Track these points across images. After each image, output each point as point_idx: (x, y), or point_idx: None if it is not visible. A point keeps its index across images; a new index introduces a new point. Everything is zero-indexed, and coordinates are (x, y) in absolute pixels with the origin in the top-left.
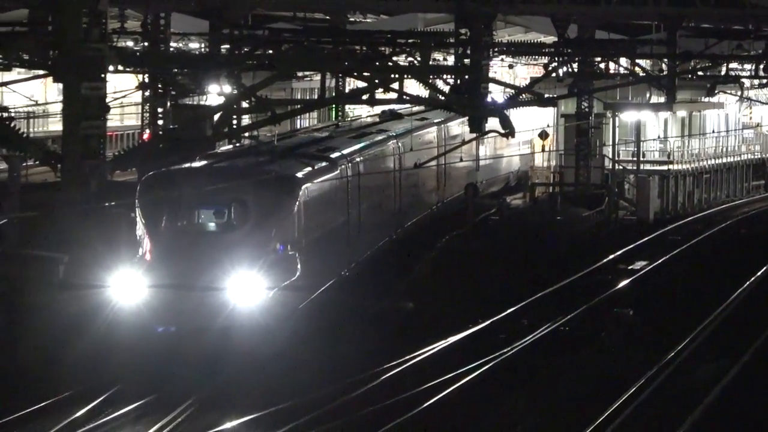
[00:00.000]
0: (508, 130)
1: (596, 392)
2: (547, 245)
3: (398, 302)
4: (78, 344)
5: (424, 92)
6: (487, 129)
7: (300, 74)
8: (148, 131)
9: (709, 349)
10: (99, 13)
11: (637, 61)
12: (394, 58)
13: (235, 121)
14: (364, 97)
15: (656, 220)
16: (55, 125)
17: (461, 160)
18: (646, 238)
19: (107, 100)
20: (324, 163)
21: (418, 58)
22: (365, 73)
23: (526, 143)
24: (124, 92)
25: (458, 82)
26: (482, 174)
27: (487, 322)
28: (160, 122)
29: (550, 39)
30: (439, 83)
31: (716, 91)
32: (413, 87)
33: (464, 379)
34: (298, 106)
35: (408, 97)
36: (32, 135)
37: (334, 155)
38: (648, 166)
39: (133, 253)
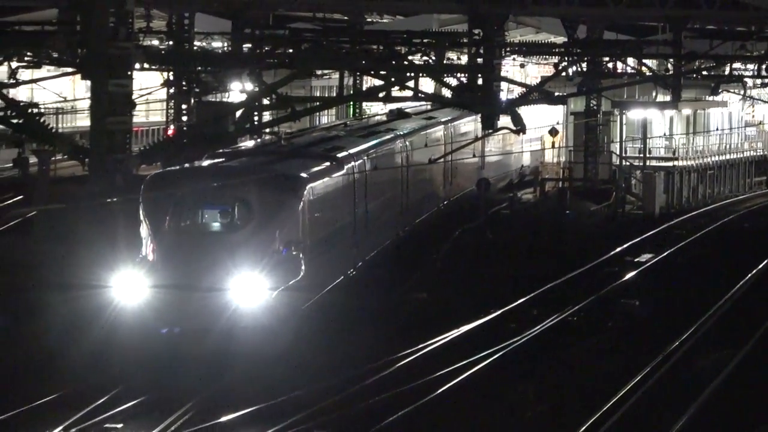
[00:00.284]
0: (520, 127)
1: (603, 380)
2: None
3: (411, 293)
4: (78, 345)
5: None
6: (499, 126)
7: (319, 72)
8: (172, 127)
9: (713, 339)
10: (125, 13)
11: (644, 60)
12: (410, 58)
13: (256, 118)
14: (381, 94)
15: (662, 215)
16: (83, 121)
17: (472, 156)
18: (651, 232)
19: (133, 96)
20: (330, 163)
21: (433, 58)
22: (382, 72)
23: (531, 141)
24: (149, 89)
25: (470, 80)
26: (487, 171)
27: (498, 312)
28: (184, 118)
29: (560, 39)
30: (453, 82)
31: (720, 90)
32: (426, 85)
33: (475, 367)
34: (317, 103)
35: (423, 95)
36: (61, 130)
37: (340, 154)
38: (654, 163)
39: (136, 253)
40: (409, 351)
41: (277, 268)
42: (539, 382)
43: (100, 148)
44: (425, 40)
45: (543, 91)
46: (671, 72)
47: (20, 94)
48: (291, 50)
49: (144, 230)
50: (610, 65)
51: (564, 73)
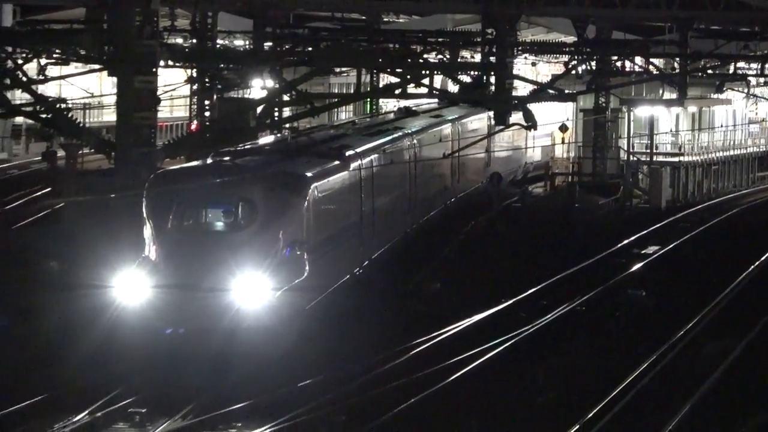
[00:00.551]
0: (531, 123)
1: (611, 368)
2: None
3: (424, 284)
4: (78, 346)
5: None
6: (511, 122)
7: (337, 70)
8: (195, 122)
9: (717, 328)
10: (151, 12)
11: (651, 59)
12: (425, 56)
13: (276, 113)
14: (397, 91)
15: (668, 208)
16: (110, 116)
17: (479, 153)
18: (658, 225)
19: (158, 92)
20: (336, 161)
21: (447, 56)
22: (398, 69)
23: (535, 138)
24: (173, 86)
25: (479, 78)
26: (493, 168)
27: (510, 302)
28: (207, 114)
29: (570, 39)
30: (466, 80)
31: (724, 89)
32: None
33: (487, 355)
34: (336, 99)
35: (437, 92)
36: (88, 125)
37: (347, 153)
38: (660, 158)
39: (139, 252)
40: (423, 340)
41: (280, 268)
42: (549, 370)
43: (126, 142)
44: (440, 39)
45: (554, 89)
46: (677, 71)
47: (49, 89)
48: (310, 48)
49: (147, 229)
50: (618, 64)
51: (574, 72)
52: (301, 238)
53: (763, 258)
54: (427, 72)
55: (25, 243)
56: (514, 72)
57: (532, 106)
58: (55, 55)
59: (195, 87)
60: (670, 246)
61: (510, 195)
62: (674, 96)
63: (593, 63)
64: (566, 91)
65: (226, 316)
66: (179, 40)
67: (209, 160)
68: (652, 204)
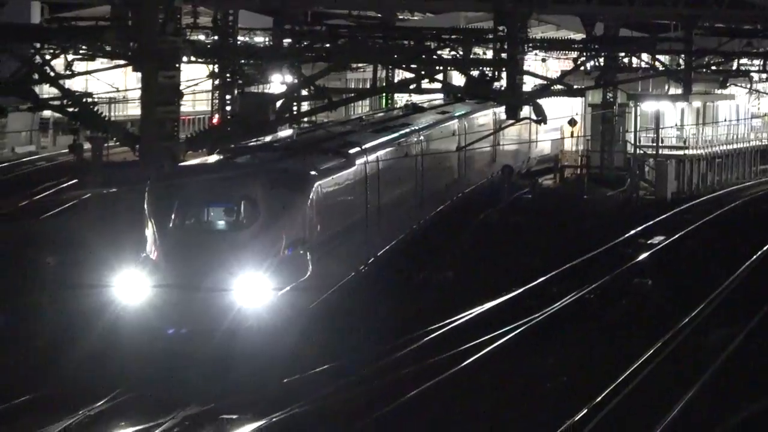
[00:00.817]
0: (541, 118)
1: (618, 354)
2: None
3: (439, 272)
4: (78, 346)
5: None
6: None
7: (354, 66)
8: (217, 116)
9: (721, 316)
10: (174, 10)
11: (657, 56)
12: (439, 52)
13: (295, 108)
14: (412, 86)
15: (673, 200)
16: (134, 110)
17: (485, 148)
18: (663, 216)
19: (181, 87)
20: (341, 159)
21: (460, 52)
22: (412, 65)
23: (540, 133)
24: (196, 80)
25: (486, 74)
26: (500, 164)
27: (521, 290)
28: (228, 108)
29: (579, 36)
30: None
31: (728, 84)
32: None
33: (500, 340)
34: (352, 94)
35: (450, 87)
36: (113, 118)
37: (352, 150)
38: (666, 151)
39: (140, 251)
40: (436, 326)
41: (282, 267)
42: (558, 355)
43: (150, 135)
44: (453, 36)
45: (563, 84)
46: (682, 67)
47: (75, 84)
48: (328, 45)
49: (148, 228)
50: (625, 60)
51: (582, 68)
52: (303, 237)
53: (765, 248)
54: (441, 68)
55: (33, 235)
56: (525, 68)
57: (542, 101)
58: (81, 51)
59: (217, 82)
60: (676, 236)
61: (521, 187)
62: (679, 91)
63: (601, 59)
64: (575, 87)
65: (227, 316)
66: (201, 37)
67: (213, 158)
68: (658, 196)
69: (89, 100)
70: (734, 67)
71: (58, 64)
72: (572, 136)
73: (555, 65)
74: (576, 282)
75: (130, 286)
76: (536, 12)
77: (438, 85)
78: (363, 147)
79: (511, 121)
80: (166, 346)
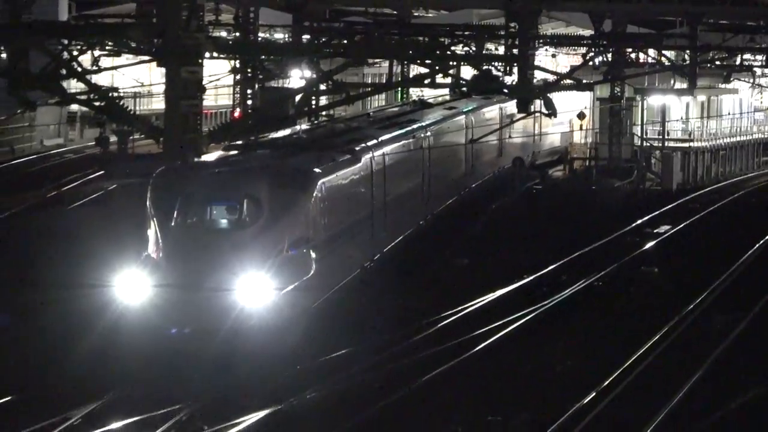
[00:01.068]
0: (551, 111)
1: (626, 339)
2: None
3: (454, 259)
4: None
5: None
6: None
7: (371, 61)
8: (238, 110)
9: (725, 302)
10: (197, 7)
11: (663, 52)
12: (452, 48)
13: (313, 102)
14: (426, 81)
15: (678, 190)
16: (158, 104)
17: (497, 141)
18: (669, 206)
19: (203, 82)
20: (346, 156)
21: (473, 48)
22: (427, 61)
23: (545, 127)
24: (217, 76)
25: (505, 69)
26: (506, 158)
27: (531, 278)
28: (249, 102)
29: (588, 32)
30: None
31: (731, 79)
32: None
33: (511, 326)
34: (369, 88)
35: (463, 82)
36: (138, 112)
37: (357, 147)
38: (672, 144)
39: (142, 250)
40: (451, 312)
41: (285, 266)
42: (568, 340)
43: (174, 128)
44: (466, 33)
45: (572, 79)
46: (688, 62)
47: (102, 79)
48: (345, 41)
49: (150, 227)
50: (632, 56)
51: (591, 63)
52: (307, 235)
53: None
54: (454, 63)
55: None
56: (536, 63)
57: (552, 95)
58: (107, 48)
59: (238, 77)
60: (681, 225)
61: (531, 178)
62: (684, 86)
63: (609, 55)
64: (584, 81)
65: (228, 316)
66: (223, 34)
67: (217, 156)
68: (664, 186)
69: (115, 94)
70: (738, 63)
71: (85, 59)
72: (581, 128)
73: (564, 60)
74: (585, 270)
75: (132, 286)
76: (546, 9)
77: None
78: (368, 144)
79: (516, 116)
80: (169, 345)
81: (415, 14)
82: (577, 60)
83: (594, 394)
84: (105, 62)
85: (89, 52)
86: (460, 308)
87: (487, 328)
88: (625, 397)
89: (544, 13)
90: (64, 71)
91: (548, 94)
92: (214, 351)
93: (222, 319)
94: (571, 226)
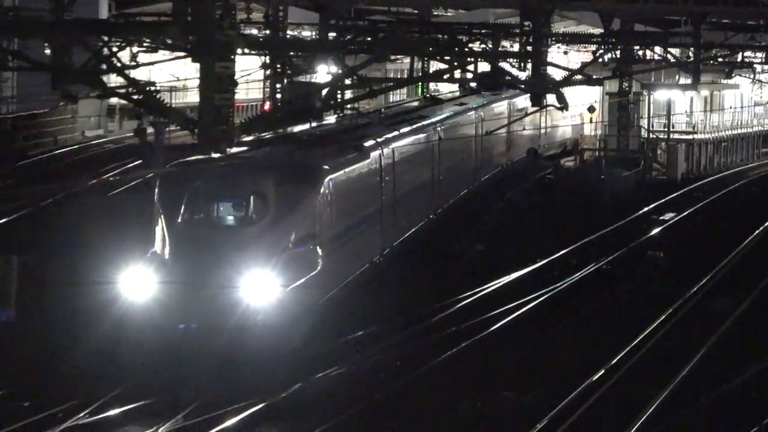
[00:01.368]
0: (563, 105)
1: (633, 319)
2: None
3: (470, 245)
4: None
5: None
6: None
7: (393, 57)
8: (268, 103)
9: (727, 285)
10: (229, 6)
11: (669, 49)
12: (470, 45)
13: (339, 96)
14: (445, 76)
15: (683, 180)
16: (193, 97)
17: (504, 135)
18: (674, 194)
19: (235, 77)
20: (355, 152)
21: (490, 45)
22: (446, 57)
23: (551, 121)
24: (249, 71)
25: (520, 64)
26: (513, 152)
27: (543, 262)
28: (278, 95)
29: (598, 30)
30: (506, 66)
31: (733, 75)
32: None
33: (523, 308)
34: (391, 83)
35: (480, 77)
36: (174, 105)
37: (367, 143)
38: (676, 136)
39: (148, 247)
40: (468, 294)
41: (292, 263)
42: (578, 321)
43: (208, 120)
44: (483, 31)
45: (583, 74)
46: (692, 59)
47: (139, 74)
48: (369, 38)
49: (157, 223)
50: (640, 53)
51: (600, 59)
52: (314, 232)
53: (767, 224)
54: (472, 59)
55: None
56: (549, 59)
57: (565, 90)
58: (145, 44)
59: (268, 72)
60: (685, 213)
61: (544, 168)
62: (689, 81)
63: (618, 52)
64: (594, 77)
65: (233, 313)
66: (254, 31)
67: (225, 152)
68: (669, 176)
69: (152, 88)
70: (739, 59)
71: (124, 55)
72: (591, 121)
73: (576, 57)
74: (594, 254)
75: (138, 282)
76: (559, 9)
77: (468, 75)
78: (377, 140)
79: (524, 111)
80: (180, 341)
81: (435, 13)
82: (588, 56)
83: (602, 372)
84: (143, 58)
85: (128, 48)
86: (474, 291)
87: (501, 309)
88: (631, 375)
89: (557, 12)
90: (104, 66)
91: (560, 89)
92: (219, 347)
93: (227, 317)
94: (581, 213)
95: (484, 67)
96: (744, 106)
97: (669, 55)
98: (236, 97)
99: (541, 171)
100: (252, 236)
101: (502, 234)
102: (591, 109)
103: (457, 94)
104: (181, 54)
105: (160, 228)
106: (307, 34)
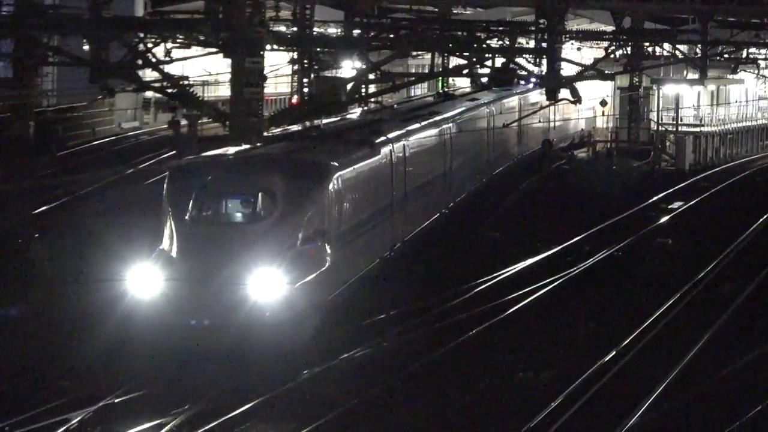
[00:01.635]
0: (577, 99)
1: (643, 302)
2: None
3: (487, 232)
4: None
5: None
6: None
7: (414, 53)
8: (296, 97)
9: (732, 270)
10: (259, 4)
11: (677, 46)
12: (488, 42)
13: (363, 90)
14: (465, 71)
15: (690, 170)
16: (224, 91)
17: (516, 130)
18: (682, 184)
19: (265, 71)
20: (364, 148)
21: (507, 42)
22: (465, 53)
23: (558, 116)
24: (277, 66)
25: (535, 60)
26: (524, 146)
27: (558, 248)
28: (306, 89)
29: (610, 28)
30: (522, 62)
31: (738, 70)
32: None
33: (539, 292)
34: (413, 78)
35: (496, 72)
36: (206, 98)
37: (377, 139)
38: (684, 128)
39: (156, 244)
40: (485, 279)
41: (300, 260)
42: (590, 304)
43: (238, 112)
44: (500, 28)
45: (595, 70)
46: (699, 55)
47: (173, 69)
48: (392, 35)
49: (166, 220)
50: (649, 49)
51: (612, 55)
52: (322, 228)
53: None
54: (489, 55)
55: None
56: (563, 55)
57: (578, 85)
58: (178, 40)
59: (296, 67)
60: (693, 202)
61: (559, 158)
62: (696, 76)
63: (629, 48)
64: (606, 72)
65: (241, 310)
66: (282, 28)
67: (233, 149)
68: (678, 167)
69: (185, 82)
70: (744, 56)
71: (159, 51)
72: (603, 114)
73: (588, 53)
74: (606, 241)
75: (145, 279)
76: (573, 7)
77: (486, 70)
78: (389, 135)
79: (535, 105)
80: (180, 339)
81: (455, 11)
82: (600, 53)
83: (614, 352)
84: (176, 53)
85: (162, 44)
86: (494, 275)
87: (517, 293)
88: (642, 355)
89: (570, 11)
90: (140, 61)
91: (573, 84)
92: (226, 344)
93: (235, 314)
94: (594, 202)
95: (500, 62)
96: (749, 100)
97: (677, 52)
98: (265, 90)
99: (555, 162)
100: (260, 233)
101: (518, 222)
102: (603, 103)
103: (468, 90)
104: (213, 50)
105: (169, 224)
106: (332, 31)
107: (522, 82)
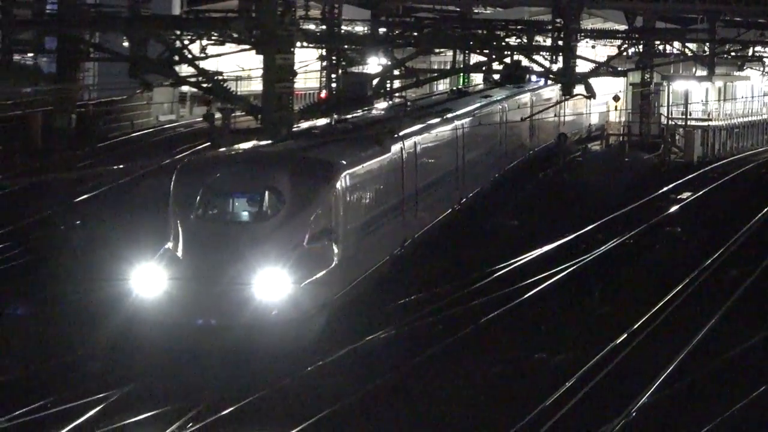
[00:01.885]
0: (591, 94)
1: (653, 289)
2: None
3: (505, 221)
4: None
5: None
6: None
7: (437, 50)
8: (324, 91)
9: (738, 257)
10: (289, 3)
11: (686, 44)
12: (507, 40)
13: (388, 85)
14: (484, 68)
15: (699, 163)
16: (257, 86)
17: (528, 127)
18: (691, 175)
19: (295, 67)
20: (373, 146)
21: (524, 40)
22: (485, 50)
23: (568, 111)
24: (307, 62)
25: (552, 58)
26: (535, 141)
27: (572, 236)
28: (333, 85)
29: (623, 27)
30: (539, 59)
31: (745, 68)
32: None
33: (554, 278)
34: (436, 74)
35: (513, 69)
36: (240, 93)
37: (388, 137)
38: (693, 123)
39: (162, 243)
40: (503, 265)
41: (306, 259)
42: (604, 290)
43: (270, 106)
44: (519, 27)
45: (609, 67)
46: (707, 53)
47: (208, 65)
48: (416, 33)
49: (172, 219)
50: (660, 47)
51: (625, 53)
52: (329, 227)
53: None
54: (508, 53)
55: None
56: (578, 53)
57: (592, 81)
58: (213, 38)
59: (324, 63)
60: (701, 192)
61: (575, 151)
62: (704, 73)
63: (641, 46)
64: (619, 69)
65: (246, 309)
66: (312, 26)
67: (241, 147)
68: (687, 159)
69: (219, 77)
70: (750, 54)
71: (195, 48)
72: (616, 109)
73: (602, 51)
74: (618, 230)
75: (150, 278)
76: (588, 7)
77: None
78: (399, 134)
79: (548, 102)
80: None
81: (475, 11)
82: (613, 50)
83: (626, 335)
84: (211, 50)
85: (198, 41)
86: (511, 261)
87: (533, 279)
88: (653, 337)
89: (585, 10)
90: (176, 57)
91: (588, 80)
92: (231, 344)
93: (241, 313)
94: (607, 192)
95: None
96: (755, 96)
97: (687, 50)
98: (295, 85)
99: (570, 154)
100: (266, 232)
101: (534, 211)
102: (616, 98)
103: (483, 87)
104: (246, 47)
105: (175, 222)
106: (359, 29)
107: (534, 78)
